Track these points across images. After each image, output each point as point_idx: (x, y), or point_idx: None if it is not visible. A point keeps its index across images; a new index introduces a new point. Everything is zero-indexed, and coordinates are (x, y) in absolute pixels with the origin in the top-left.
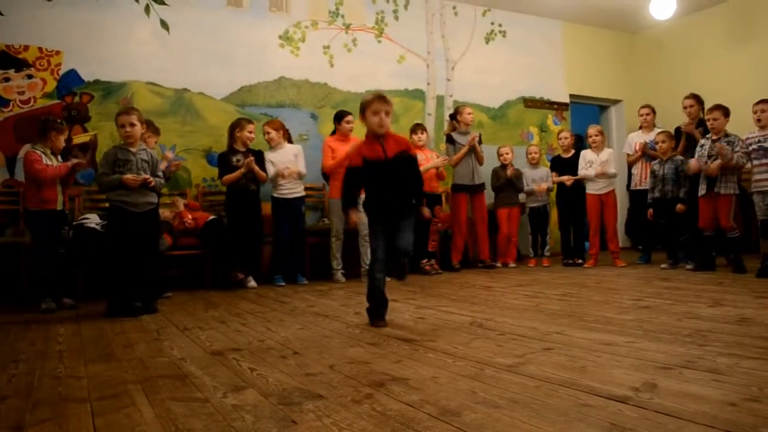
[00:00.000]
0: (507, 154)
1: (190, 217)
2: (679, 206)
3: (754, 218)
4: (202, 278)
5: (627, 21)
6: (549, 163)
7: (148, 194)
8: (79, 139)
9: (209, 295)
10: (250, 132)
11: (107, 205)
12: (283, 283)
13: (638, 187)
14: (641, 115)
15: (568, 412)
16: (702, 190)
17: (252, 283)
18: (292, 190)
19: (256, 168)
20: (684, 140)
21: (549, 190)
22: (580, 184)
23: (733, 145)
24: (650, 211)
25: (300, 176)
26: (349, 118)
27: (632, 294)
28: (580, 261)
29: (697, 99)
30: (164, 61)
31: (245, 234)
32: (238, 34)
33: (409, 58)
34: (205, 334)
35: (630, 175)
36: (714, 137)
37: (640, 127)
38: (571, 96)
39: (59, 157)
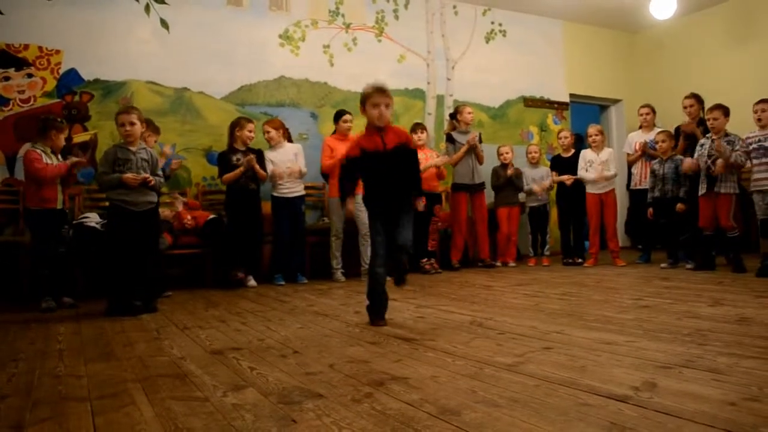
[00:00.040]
0: (507, 153)
1: (189, 217)
2: (679, 206)
3: (754, 218)
4: (202, 277)
5: (627, 20)
6: (549, 163)
7: (148, 193)
8: (79, 138)
9: (209, 294)
10: (250, 131)
11: (107, 204)
12: (283, 282)
13: (638, 187)
14: (641, 115)
15: (568, 412)
16: (702, 190)
17: (252, 282)
18: (292, 189)
19: (257, 166)
20: (683, 140)
21: (549, 189)
22: (580, 184)
23: (733, 145)
24: (650, 210)
25: (301, 175)
26: (347, 117)
27: (632, 293)
28: (579, 260)
29: (697, 98)
30: (164, 60)
31: (245, 233)
32: (238, 33)
33: (410, 58)
34: (205, 333)
35: (630, 174)
36: (714, 137)
37: (640, 127)
38: (571, 95)
39: (59, 156)
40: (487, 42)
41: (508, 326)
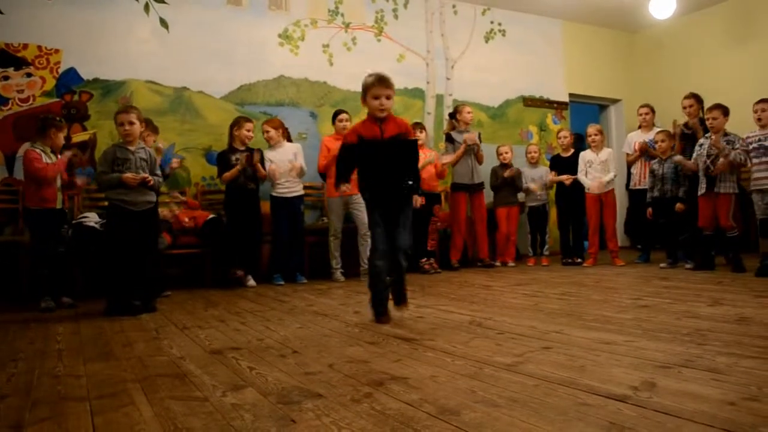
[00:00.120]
0: (506, 153)
1: (187, 219)
2: (679, 205)
3: (754, 217)
4: (202, 277)
5: (627, 20)
6: (548, 162)
7: (148, 193)
8: (79, 137)
9: (208, 293)
10: (248, 130)
11: (106, 203)
12: (282, 282)
13: (637, 187)
14: (640, 115)
15: (567, 411)
16: (701, 190)
17: (251, 282)
18: (291, 188)
19: (259, 165)
20: (680, 140)
21: (548, 188)
22: (579, 184)
23: (733, 144)
24: (649, 210)
25: (301, 173)
26: (342, 116)
27: (631, 293)
28: (579, 260)
29: (697, 98)
30: (164, 60)
31: (244, 233)
32: (238, 32)
33: (409, 57)
34: (204, 333)
35: (629, 174)
36: (713, 136)
37: (640, 127)
38: (571, 95)
39: (58, 156)
40: (486, 41)
41: (507, 326)
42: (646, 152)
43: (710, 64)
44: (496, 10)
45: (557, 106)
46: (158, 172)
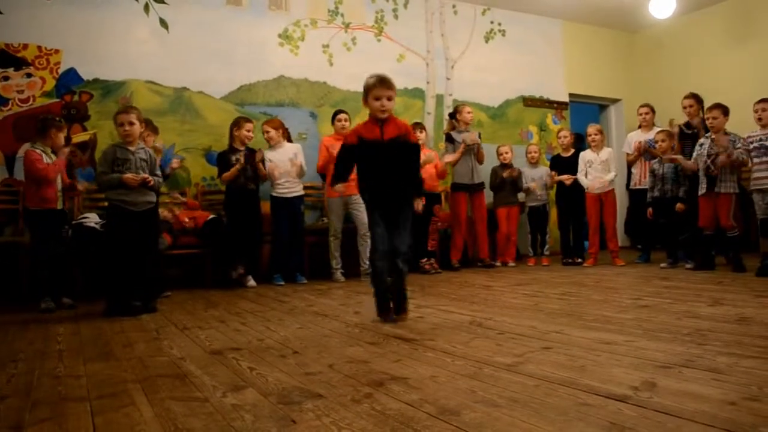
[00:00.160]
0: (506, 153)
1: (187, 219)
2: (679, 205)
3: (754, 217)
4: (202, 277)
5: (627, 20)
6: (548, 162)
7: (148, 193)
8: (79, 137)
9: (209, 294)
10: (248, 131)
11: (106, 204)
12: (282, 283)
13: (638, 187)
14: (640, 115)
15: (568, 411)
16: (702, 189)
17: (251, 282)
18: (291, 189)
19: (260, 165)
20: (678, 139)
21: (549, 187)
22: (579, 184)
23: (734, 144)
24: (650, 210)
25: (301, 174)
26: (341, 116)
27: (631, 293)
28: (579, 260)
29: (697, 98)
30: (163, 60)
31: (244, 233)
32: (238, 32)
33: (409, 57)
34: (204, 334)
35: (629, 174)
36: (713, 136)
37: (640, 126)
38: (571, 95)
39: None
40: (486, 41)
41: (507, 326)
42: (645, 152)
43: (710, 64)
44: (496, 10)
45: (557, 106)
46: (158, 172)
